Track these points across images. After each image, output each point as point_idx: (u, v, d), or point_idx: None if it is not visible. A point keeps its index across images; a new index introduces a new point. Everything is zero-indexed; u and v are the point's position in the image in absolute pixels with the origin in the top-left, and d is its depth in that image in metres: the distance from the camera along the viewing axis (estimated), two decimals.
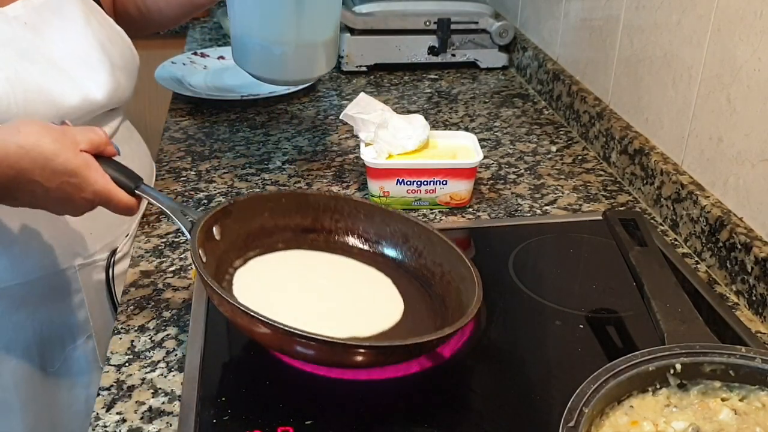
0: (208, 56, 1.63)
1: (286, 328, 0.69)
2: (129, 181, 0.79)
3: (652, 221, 1.07)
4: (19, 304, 0.88)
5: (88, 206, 0.77)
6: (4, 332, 0.88)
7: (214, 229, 0.82)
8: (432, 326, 0.80)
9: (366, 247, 0.92)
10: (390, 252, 0.91)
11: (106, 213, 0.94)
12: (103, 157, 0.77)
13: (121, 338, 0.85)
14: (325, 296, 0.85)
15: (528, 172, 1.21)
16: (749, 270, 0.88)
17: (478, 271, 0.82)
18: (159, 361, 0.81)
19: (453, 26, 1.59)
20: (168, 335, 0.85)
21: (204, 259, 0.79)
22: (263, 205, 0.88)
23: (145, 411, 0.74)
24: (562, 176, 1.20)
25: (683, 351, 0.65)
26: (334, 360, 0.74)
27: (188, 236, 0.79)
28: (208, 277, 0.73)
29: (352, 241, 0.92)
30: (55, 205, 0.76)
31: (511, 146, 1.30)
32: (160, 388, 0.77)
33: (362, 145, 1.10)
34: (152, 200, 0.81)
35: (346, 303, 0.84)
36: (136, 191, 0.79)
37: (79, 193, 0.75)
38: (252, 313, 0.69)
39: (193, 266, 0.95)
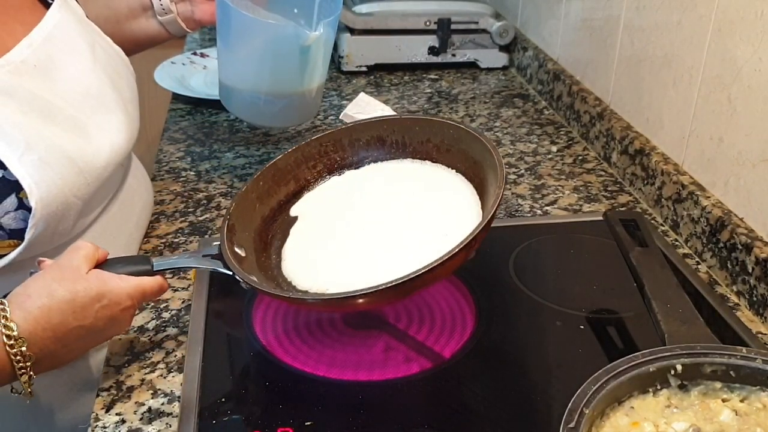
0: (207, 56, 1.63)
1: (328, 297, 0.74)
2: (141, 265, 0.78)
3: (652, 222, 1.07)
4: None
5: (132, 312, 0.76)
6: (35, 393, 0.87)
7: (237, 250, 0.81)
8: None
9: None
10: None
11: None
12: (103, 262, 0.76)
13: (120, 339, 0.84)
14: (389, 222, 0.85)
15: (528, 172, 1.21)
16: (750, 270, 0.88)
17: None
18: (159, 362, 0.81)
19: (453, 26, 1.59)
20: (167, 336, 0.85)
21: (255, 278, 0.79)
22: (249, 200, 0.87)
23: (145, 412, 0.74)
24: (563, 176, 1.20)
25: (684, 352, 0.65)
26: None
27: (230, 272, 0.78)
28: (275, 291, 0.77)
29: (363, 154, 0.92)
30: (105, 331, 0.74)
31: (512, 146, 1.30)
32: (159, 389, 0.77)
33: None
34: (172, 268, 0.81)
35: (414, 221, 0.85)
36: (155, 270, 0.78)
37: (118, 308, 0.73)
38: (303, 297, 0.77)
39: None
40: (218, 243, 0.81)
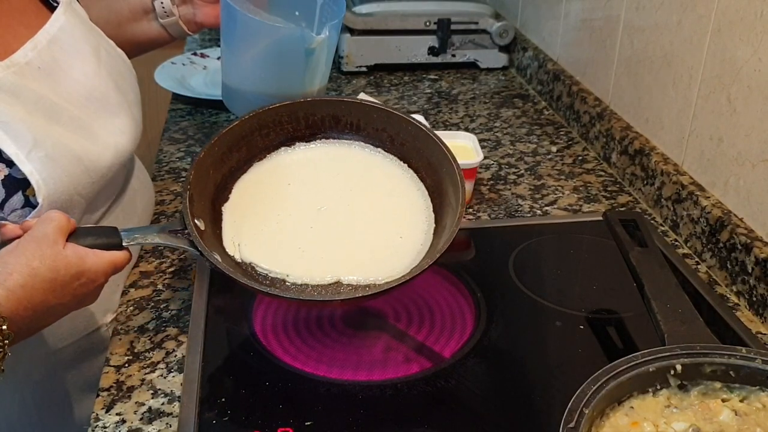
0: (207, 56, 1.63)
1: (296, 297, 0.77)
2: (112, 238, 0.77)
3: (652, 222, 1.07)
4: (52, 370, 0.88)
5: (102, 287, 0.76)
6: (36, 395, 0.87)
7: (197, 222, 0.80)
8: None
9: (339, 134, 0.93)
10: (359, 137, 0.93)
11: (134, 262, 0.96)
12: (73, 232, 0.74)
13: (120, 339, 0.84)
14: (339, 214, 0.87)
15: (528, 172, 1.21)
16: (750, 271, 0.88)
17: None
18: (159, 362, 0.81)
19: (453, 26, 1.59)
20: (168, 336, 0.85)
21: (219, 258, 0.79)
22: (204, 167, 0.85)
23: (145, 412, 0.74)
24: (563, 177, 1.20)
25: (683, 352, 0.65)
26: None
27: (197, 252, 0.77)
28: (240, 276, 0.78)
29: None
30: (77, 305, 0.75)
31: (512, 147, 1.30)
32: (159, 389, 0.77)
33: None
34: (141, 242, 0.79)
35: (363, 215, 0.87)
36: (124, 244, 0.77)
37: (93, 285, 0.74)
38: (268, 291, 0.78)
39: (192, 267, 0.95)
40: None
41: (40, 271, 0.69)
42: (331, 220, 0.86)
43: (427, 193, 0.88)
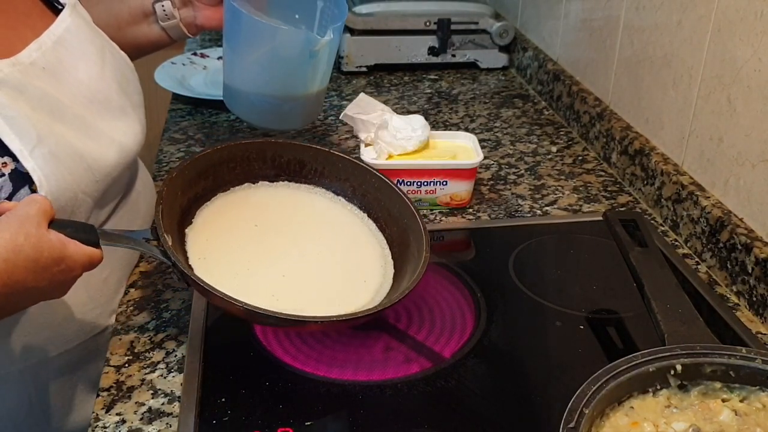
0: (207, 56, 1.63)
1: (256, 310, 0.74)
2: (89, 235, 0.74)
3: (652, 222, 1.07)
4: (58, 371, 0.87)
5: (75, 281, 0.74)
6: (42, 396, 0.87)
7: (166, 236, 0.78)
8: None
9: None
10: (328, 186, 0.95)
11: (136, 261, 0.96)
12: (53, 221, 0.72)
13: (120, 339, 0.85)
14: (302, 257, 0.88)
15: (528, 172, 1.21)
16: (750, 271, 0.88)
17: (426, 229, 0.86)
18: (159, 362, 0.81)
19: (453, 27, 1.59)
20: (168, 336, 0.85)
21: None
22: (175, 187, 0.85)
23: (145, 412, 0.74)
24: (563, 177, 1.20)
25: (684, 352, 0.65)
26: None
27: (169, 262, 0.77)
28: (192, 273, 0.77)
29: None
30: (50, 294, 0.73)
31: (512, 147, 1.30)
32: (159, 389, 0.77)
33: (362, 145, 1.10)
34: (116, 244, 0.78)
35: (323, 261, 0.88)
36: (101, 243, 0.75)
37: (70, 275, 0.72)
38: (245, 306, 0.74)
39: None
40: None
41: (24, 248, 0.67)
42: (297, 267, 0.87)
43: (385, 242, 0.90)
